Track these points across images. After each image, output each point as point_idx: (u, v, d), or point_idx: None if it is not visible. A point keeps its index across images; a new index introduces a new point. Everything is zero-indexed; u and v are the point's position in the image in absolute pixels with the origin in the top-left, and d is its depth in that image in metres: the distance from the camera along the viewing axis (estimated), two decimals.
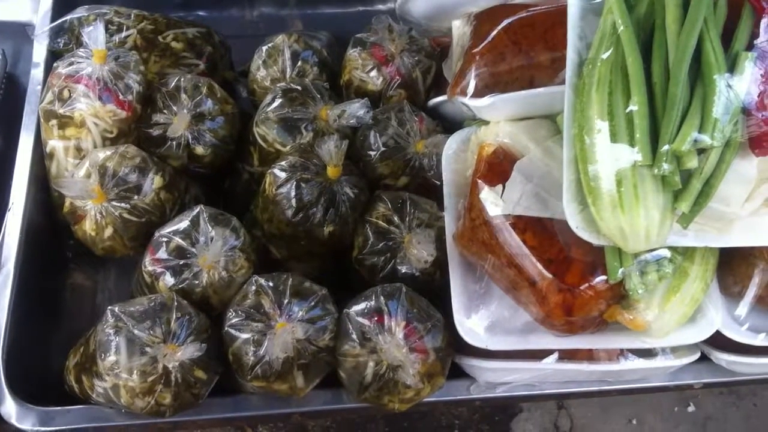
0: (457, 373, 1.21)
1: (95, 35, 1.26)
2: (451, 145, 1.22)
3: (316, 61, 1.44)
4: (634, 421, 2.06)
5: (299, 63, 1.43)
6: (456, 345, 1.15)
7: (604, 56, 0.96)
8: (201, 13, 1.76)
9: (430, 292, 1.20)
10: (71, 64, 1.29)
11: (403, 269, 1.20)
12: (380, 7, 1.81)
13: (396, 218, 1.22)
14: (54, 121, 1.29)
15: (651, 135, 0.93)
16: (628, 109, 0.94)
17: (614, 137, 0.94)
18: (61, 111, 1.27)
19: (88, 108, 1.26)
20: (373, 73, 1.41)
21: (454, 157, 1.22)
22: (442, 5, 1.48)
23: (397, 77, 1.40)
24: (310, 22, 1.77)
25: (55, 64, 1.33)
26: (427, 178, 1.31)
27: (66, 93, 1.28)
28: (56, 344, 1.35)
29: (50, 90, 1.30)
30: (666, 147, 0.91)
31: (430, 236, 1.18)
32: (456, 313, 1.12)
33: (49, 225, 1.39)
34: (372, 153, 1.31)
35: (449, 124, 1.39)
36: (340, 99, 1.43)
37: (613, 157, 0.94)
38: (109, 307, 1.09)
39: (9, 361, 1.21)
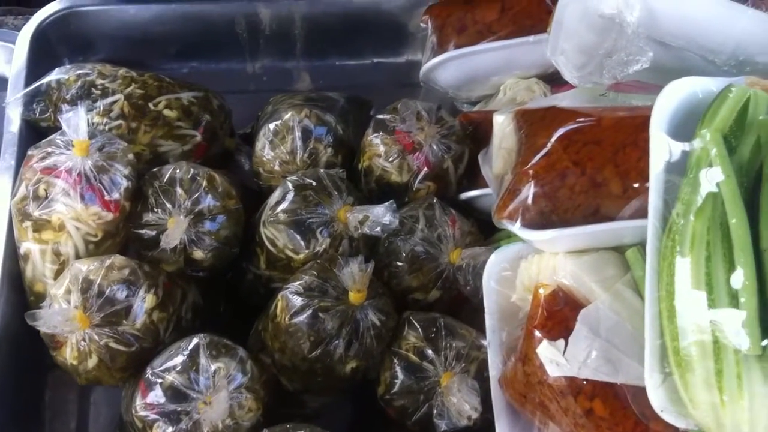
0: None
1: (75, 122, 1.09)
2: (496, 264, 1.02)
3: (330, 141, 1.25)
4: None
5: (311, 143, 1.24)
6: None
7: (697, 210, 0.78)
8: (196, 64, 1.56)
9: None
10: (48, 155, 1.11)
11: (443, 425, 1.02)
12: (395, 60, 1.60)
13: (429, 351, 1.05)
14: (28, 223, 1.11)
15: (761, 316, 0.76)
16: (731, 281, 0.76)
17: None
18: (36, 213, 1.09)
19: (68, 211, 1.08)
20: (398, 162, 1.20)
21: (497, 280, 1.03)
22: (473, 74, 1.32)
23: (425, 168, 1.21)
24: (318, 74, 1.58)
25: (29, 152, 1.14)
26: (462, 291, 1.13)
27: (42, 190, 1.10)
28: None
29: (23, 184, 1.12)
30: None
31: (474, 387, 1.00)
32: None
33: (26, 331, 1.18)
34: (399, 264, 1.13)
35: (485, 217, 1.22)
36: (357, 184, 1.25)
37: (711, 334, 0.77)
38: None
39: None
